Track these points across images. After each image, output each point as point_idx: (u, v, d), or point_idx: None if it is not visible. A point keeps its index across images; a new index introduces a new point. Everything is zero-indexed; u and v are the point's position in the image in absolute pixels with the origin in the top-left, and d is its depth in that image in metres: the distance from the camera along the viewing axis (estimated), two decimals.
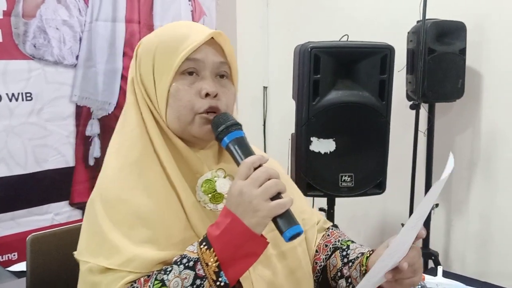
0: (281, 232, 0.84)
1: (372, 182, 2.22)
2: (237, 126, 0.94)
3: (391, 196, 2.45)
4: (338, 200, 2.35)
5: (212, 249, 0.83)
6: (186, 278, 0.83)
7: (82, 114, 2.44)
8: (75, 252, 0.95)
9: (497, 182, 2.50)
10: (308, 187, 2.20)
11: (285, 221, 0.84)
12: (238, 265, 0.84)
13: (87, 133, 2.47)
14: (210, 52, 0.96)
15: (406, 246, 0.91)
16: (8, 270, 1.77)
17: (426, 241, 2.49)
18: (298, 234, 0.85)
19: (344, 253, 1.07)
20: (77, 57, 2.40)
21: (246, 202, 0.83)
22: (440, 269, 1.65)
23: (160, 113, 0.97)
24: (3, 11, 2.16)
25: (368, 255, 1.01)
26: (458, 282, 1.62)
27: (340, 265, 1.05)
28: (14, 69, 2.21)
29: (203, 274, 0.83)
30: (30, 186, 2.30)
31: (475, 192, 2.58)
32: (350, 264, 1.04)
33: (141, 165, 0.95)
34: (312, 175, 2.19)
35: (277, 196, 0.85)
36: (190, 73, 0.96)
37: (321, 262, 1.10)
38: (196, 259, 0.84)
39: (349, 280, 1.02)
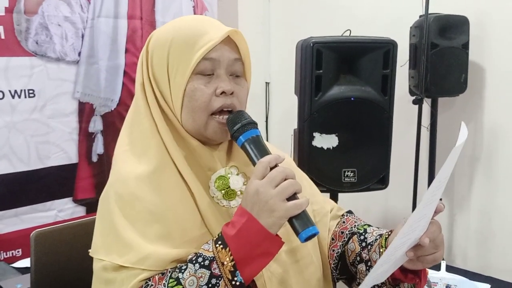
0: (297, 233, 0.85)
1: (375, 177, 2.22)
2: (253, 124, 0.94)
3: (394, 191, 2.45)
4: (340, 196, 2.35)
5: (227, 249, 0.84)
6: (201, 277, 0.83)
7: (85, 111, 2.44)
8: (90, 250, 0.96)
9: (498, 178, 2.49)
10: None
11: (301, 222, 0.84)
12: (253, 264, 0.84)
13: (90, 129, 2.47)
14: (225, 50, 0.96)
15: (425, 221, 0.90)
16: (12, 267, 1.78)
17: None
18: (313, 235, 0.85)
19: (362, 237, 1.06)
20: (79, 54, 2.39)
21: (262, 201, 0.83)
22: (443, 264, 1.66)
23: (175, 112, 0.98)
24: (5, 7, 2.15)
25: (386, 236, 1.01)
26: (461, 276, 1.62)
27: (359, 250, 1.05)
28: (16, 65, 2.21)
29: (219, 273, 0.83)
30: (33, 183, 2.30)
31: (477, 188, 2.57)
32: (369, 247, 1.03)
33: (154, 163, 0.95)
34: (314, 170, 2.19)
35: (293, 196, 0.85)
36: (206, 74, 0.96)
37: (338, 249, 1.09)
38: (211, 258, 0.84)
39: (369, 264, 1.02)
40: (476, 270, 1.78)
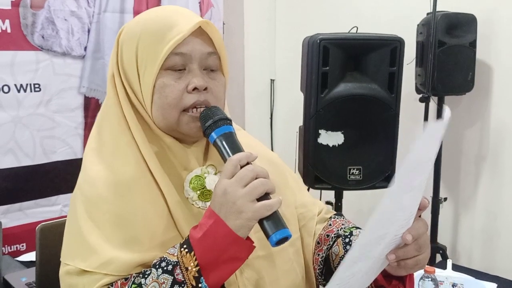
0: (267, 236, 0.79)
1: (381, 175, 2.21)
2: (226, 121, 0.88)
3: None
4: (346, 193, 2.35)
5: (192, 253, 0.78)
6: (164, 282, 0.78)
7: (90, 106, 2.44)
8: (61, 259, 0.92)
9: (504, 177, 2.48)
10: (316, 180, 2.19)
11: (272, 224, 0.78)
12: (220, 270, 0.79)
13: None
14: (197, 43, 0.90)
15: (406, 215, 0.81)
16: (17, 260, 1.78)
17: (434, 235, 2.48)
18: (286, 239, 0.79)
19: (347, 239, 1.00)
20: (85, 49, 2.39)
21: (230, 202, 0.78)
22: (449, 263, 1.65)
23: (146, 108, 0.92)
24: (11, 1, 2.15)
25: None
26: (467, 275, 1.61)
27: (343, 253, 0.98)
28: (22, 60, 2.20)
29: (182, 279, 0.78)
30: (38, 177, 2.30)
31: (483, 187, 2.56)
32: None
33: (124, 163, 0.91)
34: (320, 167, 2.18)
35: (265, 196, 0.79)
36: (177, 69, 0.90)
37: (323, 253, 1.03)
38: (175, 263, 0.79)
39: None
40: (482, 269, 1.78)
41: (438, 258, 2.43)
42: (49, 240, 1.23)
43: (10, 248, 2.22)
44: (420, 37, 2.36)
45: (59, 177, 2.36)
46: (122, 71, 0.94)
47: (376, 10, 2.77)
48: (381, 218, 0.76)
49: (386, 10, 2.73)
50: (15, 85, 2.20)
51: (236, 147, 0.86)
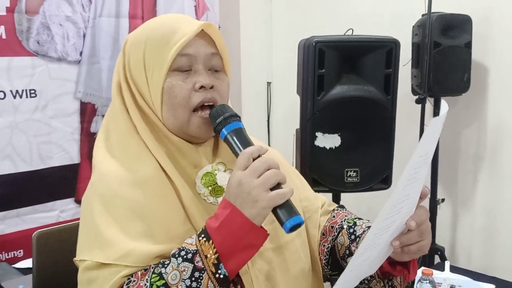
0: (281, 223, 0.83)
1: (378, 177, 2.21)
2: (236, 117, 0.93)
3: None
4: (343, 196, 2.34)
5: (211, 241, 0.82)
6: (184, 270, 0.82)
7: (86, 111, 2.44)
8: (75, 258, 0.94)
9: (502, 176, 2.48)
10: (313, 182, 2.19)
11: (285, 212, 0.83)
12: (237, 257, 0.83)
13: (92, 129, 2.46)
14: (201, 44, 0.96)
15: (410, 203, 0.86)
16: (14, 267, 1.77)
17: (432, 236, 2.48)
18: (299, 225, 0.83)
19: (351, 230, 1.05)
20: (81, 53, 2.39)
21: (245, 192, 0.82)
22: (447, 264, 1.65)
23: (155, 111, 0.96)
24: (6, 7, 2.15)
25: None
26: (466, 277, 1.61)
27: (348, 243, 1.04)
28: (18, 65, 2.20)
29: (202, 266, 0.82)
30: (35, 183, 2.29)
31: (481, 186, 2.57)
32: (358, 239, 1.02)
33: (135, 162, 0.94)
34: (317, 170, 2.18)
35: (277, 186, 0.84)
36: (184, 70, 0.95)
37: (328, 244, 1.08)
38: (194, 251, 0.83)
39: None
40: (480, 270, 1.78)
41: (437, 259, 2.43)
42: (46, 247, 1.23)
43: (8, 255, 2.21)
44: (416, 39, 2.37)
45: (55, 182, 2.36)
46: (130, 77, 0.99)
47: (371, 12, 2.77)
48: (390, 208, 0.80)
49: (382, 12, 2.73)
50: (11, 90, 2.19)
51: (247, 142, 0.90)
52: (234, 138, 0.91)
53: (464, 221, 2.64)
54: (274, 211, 0.83)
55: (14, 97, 2.20)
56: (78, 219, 1.96)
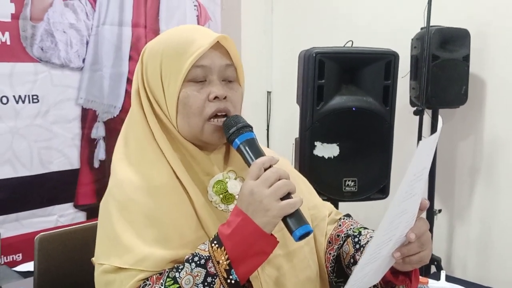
0: (291, 232, 0.86)
1: (376, 187, 2.23)
2: (248, 128, 0.96)
3: None
4: (341, 205, 2.36)
5: (223, 247, 0.85)
6: (197, 275, 0.85)
7: (87, 117, 2.46)
8: (93, 259, 0.97)
9: (498, 188, 2.51)
10: None
11: (295, 221, 0.86)
12: (248, 263, 0.86)
13: (93, 135, 2.48)
14: (216, 56, 0.98)
15: (409, 217, 0.88)
16: (14, 270, 1.78)
17: None
18: (307, 234, 0.86)
19: (356, 239, 1.08)
20: (83, 61, 2.41)
21: (257, 201, 0.85)
22: (443, 274, 1.66)
23: (171, 119, 0.99)
24: (11, 14, 2.18)
25: None
26: (461, 286, 1.63)
27: (353, 252, 1.06)
28: (21, 71, 2.23)
29: (214, 272, 0.85)
30: (35, 188, 2.31)
31: (477, 198, 2.59)
32: (362, 249, 1.05)
33: (151, 168, 0.97)
34: (315, 179, 2.18)
35: (287, 196, 0.87)
36: (199, 81, 0.98)
37: (334, 252, 1.10)
38: (207, 257, 0.86)
39: None
40: (476, 281, 1.79)
41: (433, 269, 2.45)
42: (48, 250, 1.24)
43: (6, 259, 2.21)
44: (414, 51, 2.40)
45: (55, 187, 2.37)
46: (147, 85, 1.01)
47: (371, 24, 2.81)
48: (387, 224, 0.83)
49: (381, 25, 2.77)
50: (14, 96, 2.21)
51: (258, 152, 0.93)
52: (247, 148, 0.93)
53: (460, 232, 2.66)
54: (284, 219, 0.86)
55: (17, 102, 2.22)
56: (76, 224, 1.99)
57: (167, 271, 0.88)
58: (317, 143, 2.17)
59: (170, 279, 0.86)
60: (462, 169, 2.63)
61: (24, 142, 2.26)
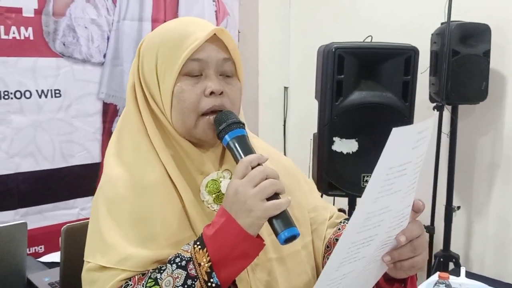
0: (276, 234, 0.81)
1: None
2: (239, 124, 0.91)
3: None
4: (359, 200, 2.36)
5: (205, 249, 0.82)
6: (178, 277, 0.82)
7: (108, 111, 2.49)
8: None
9: None
10: (329, 187, 2.22)
11: (281, 223, 0.81)
12: (231, 266, 0.82)
13: (113, 130, 2.52)
14: (213, 49, 0.94)
15: (395, 217, 0.80)
16: (39, 261, 1.82)
17: (447, 243, 2.49)
18: (294, 237, 0.81)
19: None
20: (104, 56, 2.45)
21: (240, 201, 0.81)
22: (463, 270, 1.66)
23: (165, 114, 0.96)
24: (34, 9, 2.21)
25: None
26: (481, 282, 1.62)
27: None
28: (44, 66, 2.27)
29: (195, 274, 0.81)
30: (57, 181, 2.35)
31: (496, 195, 2.57)
32: None
33: (143, 166, 0.94)
34: (333, 175, 2.20)
35: (274, 196, 0.82)
36: (194, 75, 0.94)
37: None
38: (188, 259, 0.83)
39: None
40: (494, 277, 1.78)
41: (451, 266, 2.44)
42: (73, 240, 1.26)
43: (29, 250, 2.26)
44: (434, 47, 2.38)
45: (77, 181, 2.41)
46: (143, 79, 0.98)
47: (390, 19, 2.79)
48: (362, 221, 0.75)
49: (401, 20, 2.75)
50: (36, 90, 2.25)
51: (248, 149, 0.89)
52: (236, 145, 0.89)
53: (478, 229, 2.65)
54: (270, 221, 0.82)
55: (40, 96, 2.26)
56: None
57: (150, 272, 0.85)
58: (336, 139, 2.17)
59: (152, 280, 0.83)
60: (481, 165, 2.61)
61: (46, 136, 2.30)
